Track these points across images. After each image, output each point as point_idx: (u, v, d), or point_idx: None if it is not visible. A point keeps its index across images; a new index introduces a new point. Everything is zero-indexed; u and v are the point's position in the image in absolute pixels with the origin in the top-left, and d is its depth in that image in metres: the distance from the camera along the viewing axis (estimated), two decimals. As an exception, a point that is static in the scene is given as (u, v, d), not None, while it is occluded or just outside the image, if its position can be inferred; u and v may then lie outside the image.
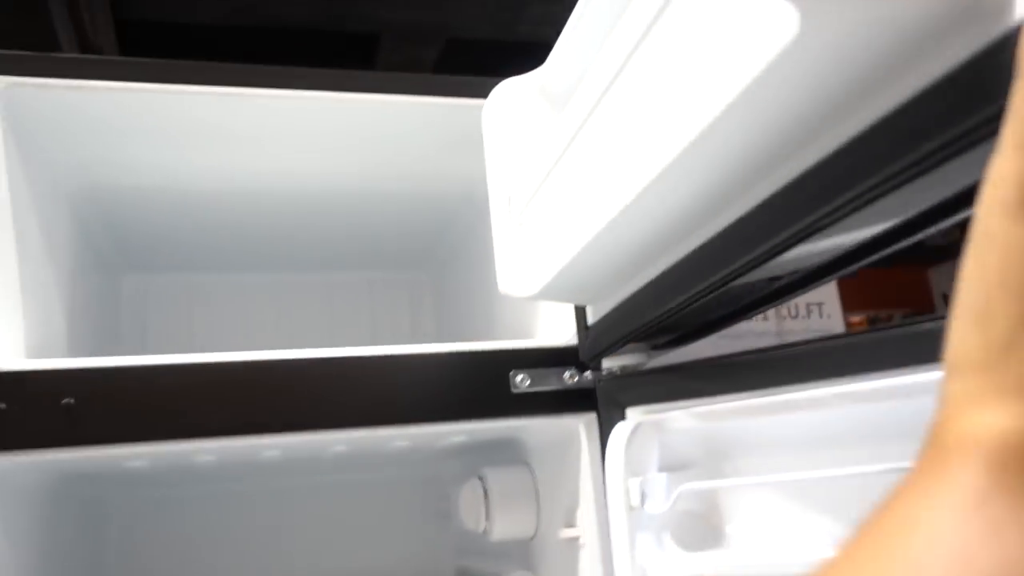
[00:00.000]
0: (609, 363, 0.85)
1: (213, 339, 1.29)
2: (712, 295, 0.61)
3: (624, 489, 0.74)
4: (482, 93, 0.82)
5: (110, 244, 1.19)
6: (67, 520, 1.00)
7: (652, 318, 0.69)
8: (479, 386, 0.87)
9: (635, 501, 0.73)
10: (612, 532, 0.75)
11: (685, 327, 0.77)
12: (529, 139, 0.78)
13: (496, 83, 0.81)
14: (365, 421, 0.84)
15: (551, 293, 0.77)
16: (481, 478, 1.01)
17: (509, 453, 1.06)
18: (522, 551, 1.05)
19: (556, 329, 0.96)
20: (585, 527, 0.89)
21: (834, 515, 0.72)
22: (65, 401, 0.77)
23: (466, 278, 1.28)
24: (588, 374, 0.89)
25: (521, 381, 0.89)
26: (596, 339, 0.83)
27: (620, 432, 0.76)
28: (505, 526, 0.99)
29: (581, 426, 0.89)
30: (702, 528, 0.79)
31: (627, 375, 0.83)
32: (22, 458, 0.76)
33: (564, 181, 0.68)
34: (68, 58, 0.87)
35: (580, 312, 0.87)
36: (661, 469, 0.78)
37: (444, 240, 1.32)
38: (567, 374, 0.90)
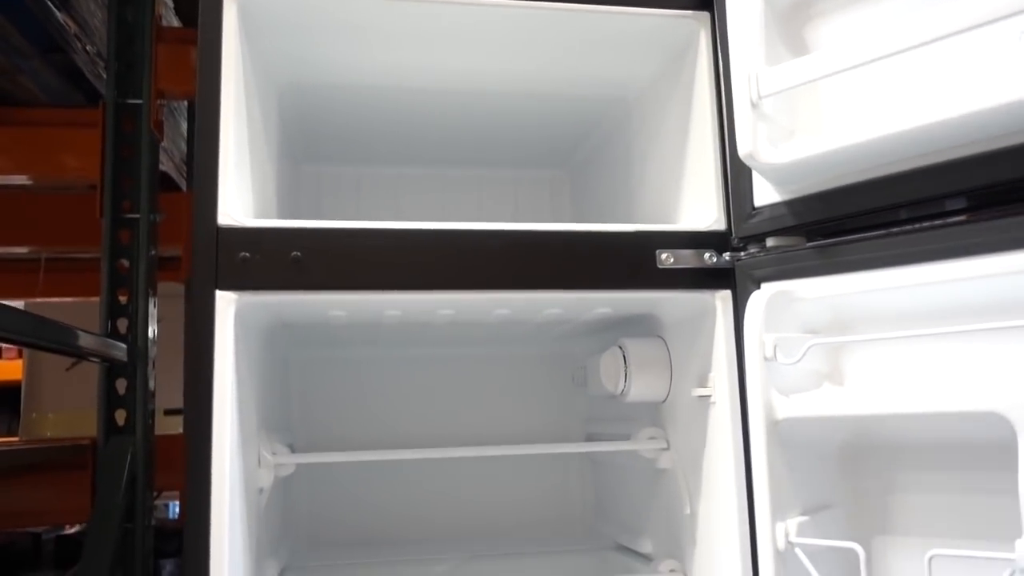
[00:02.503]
0: (754, 247, 0.97)
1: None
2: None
3: (760, 342, 0.86)
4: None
5: (298, 136, 1.36)
6: (270, 364, 1.20)
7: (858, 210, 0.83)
8: (630, 260, 1.01)
9: (769, 352, 0.85)
10: (748, 380, 0.87)
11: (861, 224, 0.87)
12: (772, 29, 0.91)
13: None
14: (529, 285, 0.99)
15: (791, 171, 0.88)
16: (621, 346, 1.15)
17: (644, 328, 1.19)
18: (651, 414, 1.19)
19: (694, 218, 1.07)
20: (716, 387, 1.01)
21: (943, 379, 0.82)
22: (294, 254, 0.94)
23: (607, 177, 1.40)
24: (727, 255, 1.01)
25: (666, 259, 1.01)
26: (766, 220, 0.94)
27: (760, 295, 0.88)
28: (641, 388, 1.13)
29: (718, 301, 1.01)
30: (825, 384, 0.91)
31: (773, 252, 0.94)
32: (260, 298, 0.94)
33: (841, 88, 0.83)
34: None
35: (739, 198, 0.98)
36: (792, 332, 0.89)
37: (587, 141, 1.43)
38: (707, 255, 1.02)
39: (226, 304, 0.92)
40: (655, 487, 1.19)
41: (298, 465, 1.34)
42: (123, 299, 1.67)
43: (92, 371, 1.67)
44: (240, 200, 0.96)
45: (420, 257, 0.96)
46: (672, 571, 1.09)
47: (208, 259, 0.93)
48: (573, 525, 1.45)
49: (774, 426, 0.86)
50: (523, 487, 1.45)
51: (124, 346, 1.61)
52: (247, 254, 0.93)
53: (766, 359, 0.86)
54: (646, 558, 1.18)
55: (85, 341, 1.46)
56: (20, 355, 2.99)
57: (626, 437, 1.17)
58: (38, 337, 1.33)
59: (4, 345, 3.30)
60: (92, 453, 1.63)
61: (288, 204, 1.33)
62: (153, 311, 1.70)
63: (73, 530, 2.24)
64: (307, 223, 0.95)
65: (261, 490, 1.04)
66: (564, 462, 1.47)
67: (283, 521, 1.31)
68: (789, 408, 0.85)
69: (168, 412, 2.38)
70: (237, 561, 0.92)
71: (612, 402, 1.35)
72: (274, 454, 1.05)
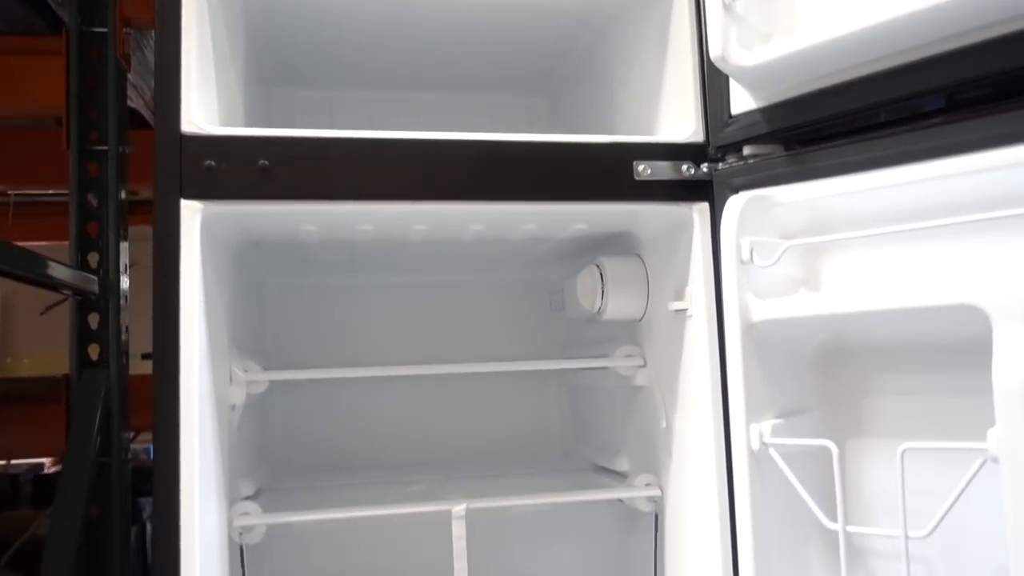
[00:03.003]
0: (732, 157, 0.95)
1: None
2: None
3: (736, 245, 0.85)
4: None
5: (268, 58, 1.32)
6: (242, 287, 1.18)
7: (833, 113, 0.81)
8: (606, 172, 0.99)
9: (745, 255, 0.84)
10: (724, 284, 0.87)
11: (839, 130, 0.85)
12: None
13: None
14: (505, 195, 0.97)
15: (764, 73, 0.86)
16: (598, 265, 1.14)
17: (622, 249, 1.18)
18: (628, 335, 1.19)
19: (672, 131, 1.05)
20: (693, 300, 1.01)
21: (918, 279, 0.82)
22: (261, 162, 0.92)
23: (585, 102, 1.37)
24: (704, 167, 0.99)
25: (643, 170, 0.99)
26: (742, 128, 0.92)
27: (737, 199, 0.87)
28: (618, 305, 1.12)
29: (695, 214, 1.00)
30: (801, 290, 0.91)
31: (750, 160, 0.92)
32: (227, 207, 0.92)
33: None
34: None
35: (716, 107, 0.96)
36: (769, 237, 0.88)
37: (565, 61, 1.40)
38: (684, 167, 1.00)
39: (191, 214, 0.90)
40: (632, 406, 1.19)
41: (273, 387, 1.33)
42: (93, 234, 1.64)
43: (66, 316, 1.64)
44: (204, 110, 0.93)
45: (391, 166, 0.94)
46: (648, 484, 1.10)
47: (171, 167, 0.90)
48: (550, 450, 1.46)
49: (749, 329, 0.85)
50: (501, 412, 1.45)
51: (96, 278, 1.58)
52: (212, 162, 0.91)
53: (742, 262, 0.85)
54: (622, 476, 1.18)
55: (57, 272, 1.44)
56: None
57: (603, 357, 1.16)
58: (10, 265, 1.30)
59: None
60: (66, 387, 1.61)
61: (259, 124, 1.30)
62: (124, 246, 1.67)
63: (52, 471, 2.23)
64: (275, 131, 0.93)
65: (233, 407, 1.03)
66: (541, 387, 1.47)
67: (259, 445, 1.30)
68: (765, 310, 0.85)
69: (145, 356, 2.36)
70: (208, 473, 0.91)
71: (589, 327, 1.35)
72: (246, 371, 1.03)
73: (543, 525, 1.35)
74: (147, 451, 2.61)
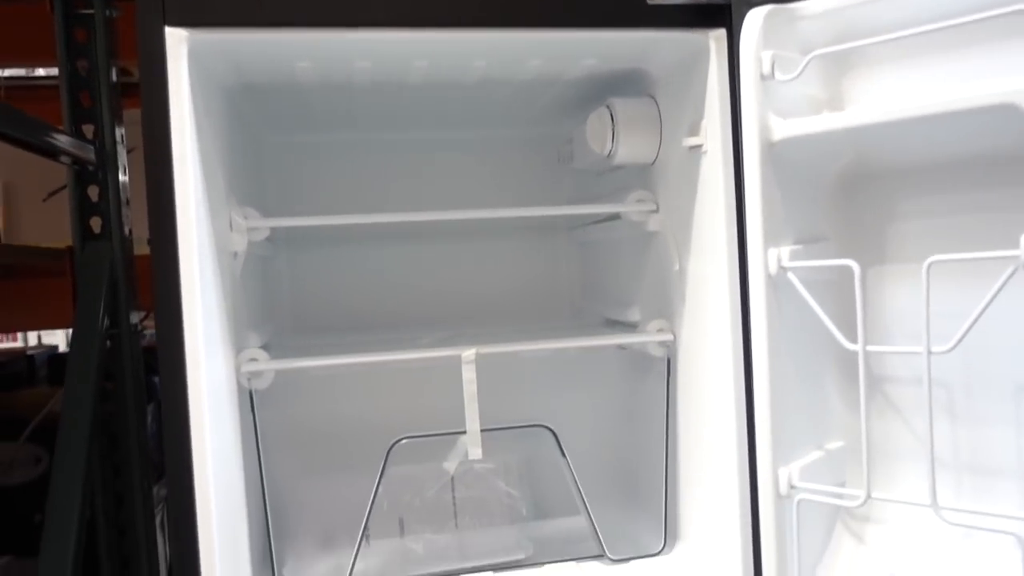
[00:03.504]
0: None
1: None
2: None
3: (757, 59, 0.79)
4: None
5: None
6: (239, 142, 1.14)
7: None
8: (617, -6, 0.92)
9: (766, 69, 0.79)
10: (743, 101, 0.82)
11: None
12: None
13: None
14: (509, 22, 0.91)
15: None
16: (608, 105, 1.09)
17: (634, 90, 1.12)
18: (640, 182, 1.14)
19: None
20: (708, 135, 0.96)
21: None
22: (251, -16, 0.86)
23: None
24: (721, -14, 0.92)
25: (657, -9, 0.93)
26: None
27: (758, 11, 0.81)
28: (630, 147, 1.08)
29: (711, 41, 0.94)
30: (824, 111, 0.86)
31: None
32: (215, 35, 0.86)
33: None
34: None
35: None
36: (792, 53, 0.83)
37: None
38: (700, -12, 0.93)
39: (177, 41, 0.85)
40: (644, 256, 1.16)
41: (277, 246, 1.31)
42: (86, 103, 1.59)
43: (68, 201, 1.61)
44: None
45: (386, -18, 0.88)
46: (660, 330, 1.08)
47: (153, -9, 0.85)
48: (561, 306, 1.44)
49: (769, 149, 0.81)
50: (510, 269, 1.42)
51: (92, 148, 1.54)
52: (199, -18, 0.85)
53: (763, 77, 0.80)
54: (634, 326, 1.16)
55: (54, 137, 1.40)
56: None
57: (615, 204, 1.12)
58: (11, 128, 1.27)
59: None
60: (70, 259, 1.59)
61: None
62: (119, 124, 1.62)
63: (66, 351, 2.24)
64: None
65: (235, 254, 1.00)
66: (551, 242, 1.44)
67: (266, 305, 1.29)
68: (786, 128, 0.80)
69: (151, 242, 2.34)
70: (212, 315, 0.90)
71: (598, 180, 1.31)
72: (246, 218, 1.00)
73: (553, 375, 1.35)
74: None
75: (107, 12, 1.60)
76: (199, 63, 0.88)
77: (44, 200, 2.43)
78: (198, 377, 0.85)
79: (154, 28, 0.85)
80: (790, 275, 0.80)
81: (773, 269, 0.80)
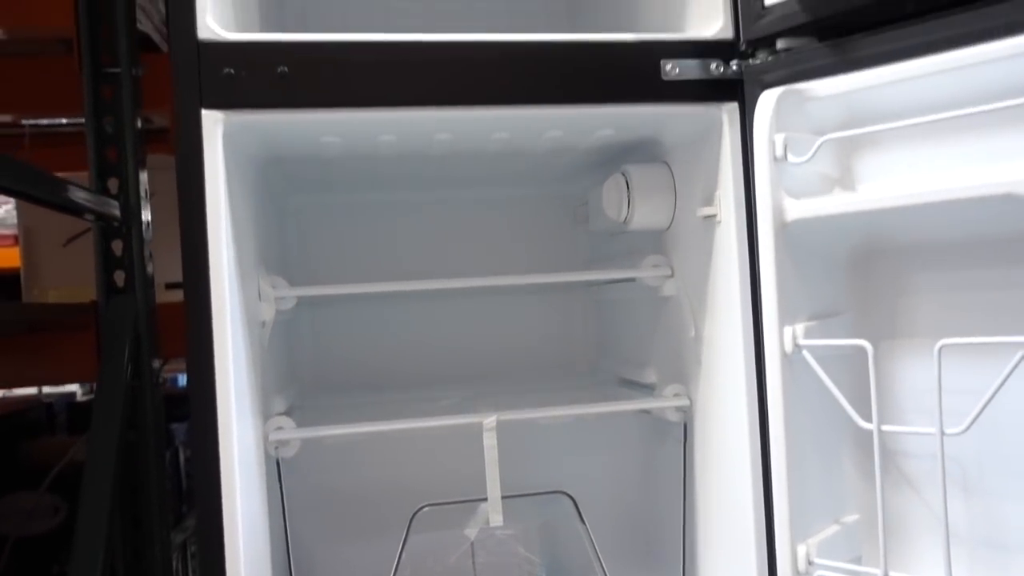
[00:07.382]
0: (763, 52, 0.92)
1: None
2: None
3: (770, 141, 0.82)
4: None
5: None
6: (266, 206, 1.17)
7: None
8: (633, 72, 0.96)
9: (779, 152, 0.82)
10: (756, 183, 0.84)
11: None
12: None
13: None
14: (529, 99, 0.95)
15: None
16: (623, 172, 1.12)
17: (648, 156, 1.15)
18: (654, 246, 1.17)
19: (699, 27, 1.01)
20: (722, 205, 0.99)
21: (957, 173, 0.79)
22: (280, 69, 0.89)
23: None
24: (734, 64, 0.96)
25: (671, 69, 0.96)
26: (777, 19, 0.88)
27: (771, 93, 0.84)
28: (644, 213, 1.10)
29: (724, 114, 0.97)
30: (836, 189, 0.88)
31: (782, 54, 0.89)
32: (248, 117, 0.90)
33: None
34: None
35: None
36: (803, 133, 0.86)
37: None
38: (713, 65, 0.97)
39: (213, 123, 0.88)
40: (659, 318, 1.19)
41: (300, 307, 1.34)
42: (112, 159, 1.63)
43: (89, 247, 1.64)
44: (220, 12, 0.91)
45: (413, 71, 0.92)
46: (676, 394, 1.10)
47: (190, 75, 0.88)
48: (577, 365, 1.46)
49: (783, 228, 0.84)
50: (527, 329, 1.45)
51: (117, 203, 1.58)
52: (231, 70, 0.89)
53: (776, 159, 0.83)
54: (650, 388, 1.18)
55: (78, 196, 1.43)
56: (16, 243, 2.96)
57: (631, 268, 1.15)
58: (32, 188, 1.30)
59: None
60: (95, 314, 1.62)
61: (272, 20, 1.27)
62: (143, 172, 1.66)
63: (84, 399, 2.27)
64: (293, 36, 0.90)
65: (263, 323, 1.03)
66: (567, 302, 1.47)
67: (289, 365, 1.31)
68: (799, 209, 0.83)
69: (169, 286, 2.37)
70: (243, 388, 0.92)
71: (613, 241, 1.33)
72: (274, 287, 1.03)
73: (571, 438, 1.37)
74: (174, 380, 2.65)
75: (133, 71, 1.65)
76: (232, 141, 0.91)
77: (64, 245, 2.47)
78: (230, 447, 0.88)
79: (192, 110, 0.89)
80: (805, 353, 0.82)
81: (789, 347, 0.83)
